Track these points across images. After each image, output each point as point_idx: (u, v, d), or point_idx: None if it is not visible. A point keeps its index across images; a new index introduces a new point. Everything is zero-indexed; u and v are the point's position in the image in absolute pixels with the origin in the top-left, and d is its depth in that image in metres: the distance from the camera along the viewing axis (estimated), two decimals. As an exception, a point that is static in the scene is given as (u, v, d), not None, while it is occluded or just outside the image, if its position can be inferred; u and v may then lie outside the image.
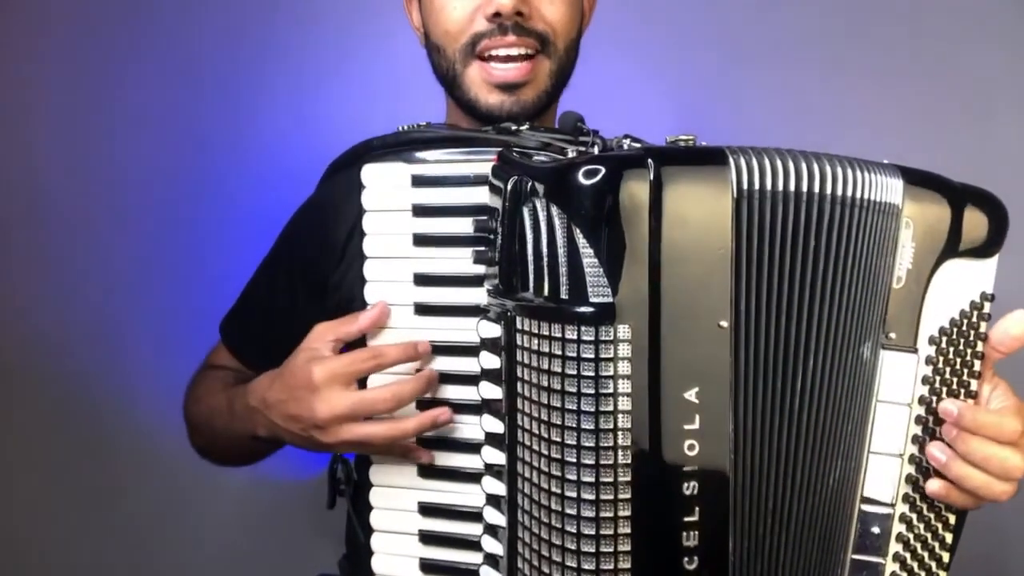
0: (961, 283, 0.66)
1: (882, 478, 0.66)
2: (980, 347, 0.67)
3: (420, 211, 0.77)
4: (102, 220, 1.38)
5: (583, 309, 0.61)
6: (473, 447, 0.75)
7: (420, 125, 0.80)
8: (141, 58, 1.38)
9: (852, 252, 0.64)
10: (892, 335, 0.65)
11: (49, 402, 1.37)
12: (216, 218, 1.36)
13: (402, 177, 0.77)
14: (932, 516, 0.67)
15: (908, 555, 0.67)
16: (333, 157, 0.89)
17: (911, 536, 0.67)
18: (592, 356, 0.61)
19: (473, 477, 0.75)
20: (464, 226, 0.74)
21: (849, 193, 0.64)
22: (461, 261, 0.75)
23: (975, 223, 0.66)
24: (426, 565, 0.79)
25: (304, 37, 1.38)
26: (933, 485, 0.65)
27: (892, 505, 0.66)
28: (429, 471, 0.79)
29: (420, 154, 0.77)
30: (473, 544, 0.76)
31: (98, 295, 1.39)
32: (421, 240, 0.77)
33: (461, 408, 0.76)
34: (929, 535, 0.67)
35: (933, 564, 0.67)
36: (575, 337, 0.61)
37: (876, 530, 0.66)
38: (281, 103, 1.39)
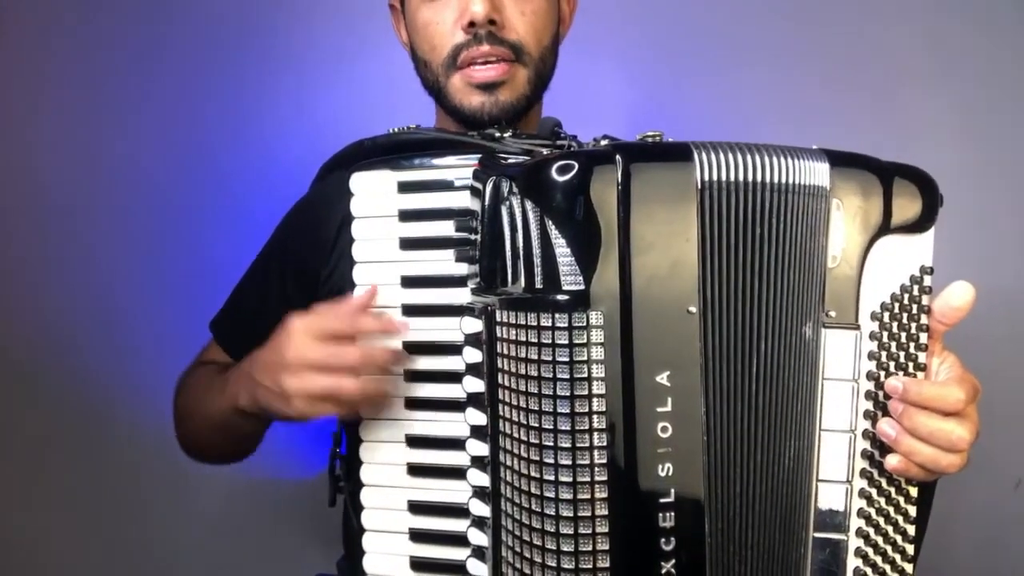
0: (898, 259, 0.68)
1: (836, 455, 0.68)
2: (924, 320, 0.68)
3: (406, 216, 0.80)
4: (102, 220, 1.41)
5: (557, 297, 0.64)
6: (461, 444, 0.77)
7: (410, 127, 0.84)
8: (142, 58, 1.41)
9: (788, 235, 0.67)
10: (832, 313, 0.67)
11: (49, 402, 1.38)
12: (216, 218, 1.38)
13: (389, 184, 0.81)
14: (892, 490, 0.68)
15: (872, 530, 0.68)
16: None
17: (873, 511, 0.68)
18: (566, 342, 0.64)
19: (462, 473, 0.77)
20: (449, 229, 0.77)
21: (781, 179, 0.66)
22: (446, 263, 0.78)
23: (905, 199, 0.68)
24: (416, 563, 0.81)
25: (306, 37, 1.41)
26: (892, 460, 0.67)
27: (848, 481, 0.68)
28: (418, 470, 0.81)
29: (407, 161, 0.81)
30: (462, 540, 0.77)
31: (99, 294, 1.40)
32: (407, 244, 0.80)
33: (448, 405, 0.78)
34: (891, 509, 0.68)
35: (898, 538, 0.69)
36: (550, 324, 0.64)
37: (835, 507, 0.67)
38: (282, 103, 1.42)
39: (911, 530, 0.69)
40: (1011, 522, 1.47)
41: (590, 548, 0.64)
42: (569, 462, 0.64)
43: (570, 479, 0.64)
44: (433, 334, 0.80)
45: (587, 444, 0.64)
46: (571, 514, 0.64)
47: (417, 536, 0.81)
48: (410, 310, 0.81)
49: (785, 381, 0.67)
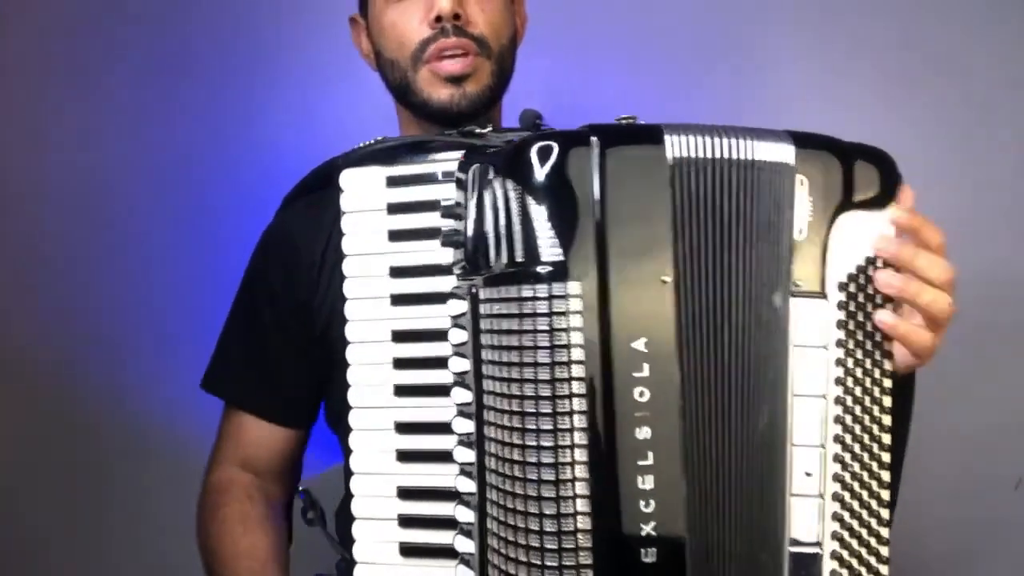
0: (862, 232, 0.72)
1: (808, 420, 0.70)
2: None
3: (394, 208, 0.84)
4: (103, 220, 1.42)
5: (537, 269, 0.67)
6: (450, 428, 0.79)
7: (377, 139, 0.87)
8: (143, 58, 1.43)
9: (755, 209, 0.70)
10: (800, 283, 0.70)
11: (50, 401, 1.39)
12: (217, 218, 1.40)
13: (377, 179, 0.84)
14: (866, 455, 0.70)
15: (847, 493, 0.70)
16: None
17: (847, 476, 0.70)
18: (546, 311, 0.66)
19: (450, 456, 0.79)
20: (435, 220, 0.81)
21: (747, 156, 0.70)
22: (433, 252, 0.81)
23: (866, 176, 0.72)
24: (406, 548, 0.82)
25: (308, 37, 1.44)
26: (881, 315, 0.70)
27: (822, 446, 0.70)
28: (408, 455, 0.82)
29: (394, 158, 0.85)
30: (451, 522, 0.79)
31: (100, 294, 1.41)
32: (395, 235, 0.84)
33: (438, 391, 0.80)
34: (865, 473, 0.70)
35: (873, 502, 0.70)
36: (530, 295, 0.67)
37: (811, 470, 0.69)
38: (283, 103, 1.44)
39: (885, 495, 0.71)
40: (1011, 522, 1.47)
41: (571, 511, 0.66)
42: (550, 427, 0.66)
43: (551, 444, 0.66)
44: (421, 322, 0.82)
45: (567, 409, 0.66)
46: (552, 478, 0.66)
47: (406, 521, 0.82)
48: (398, 299, 0.83)
49: (757, 348, 0.69)
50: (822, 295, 0.71)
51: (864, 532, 0.70)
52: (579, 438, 0.66)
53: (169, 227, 1.43)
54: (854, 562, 0.70)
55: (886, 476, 0.71)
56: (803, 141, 0.72)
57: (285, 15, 1.44)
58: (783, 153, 0.71)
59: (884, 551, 0.71)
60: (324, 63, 1.45)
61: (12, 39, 1.41)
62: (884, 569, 0.71)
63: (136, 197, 1.43)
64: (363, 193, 0.85)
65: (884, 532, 0.71)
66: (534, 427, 0.67)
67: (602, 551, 0.66)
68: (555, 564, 0.66)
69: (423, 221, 0.82)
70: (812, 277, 0.71)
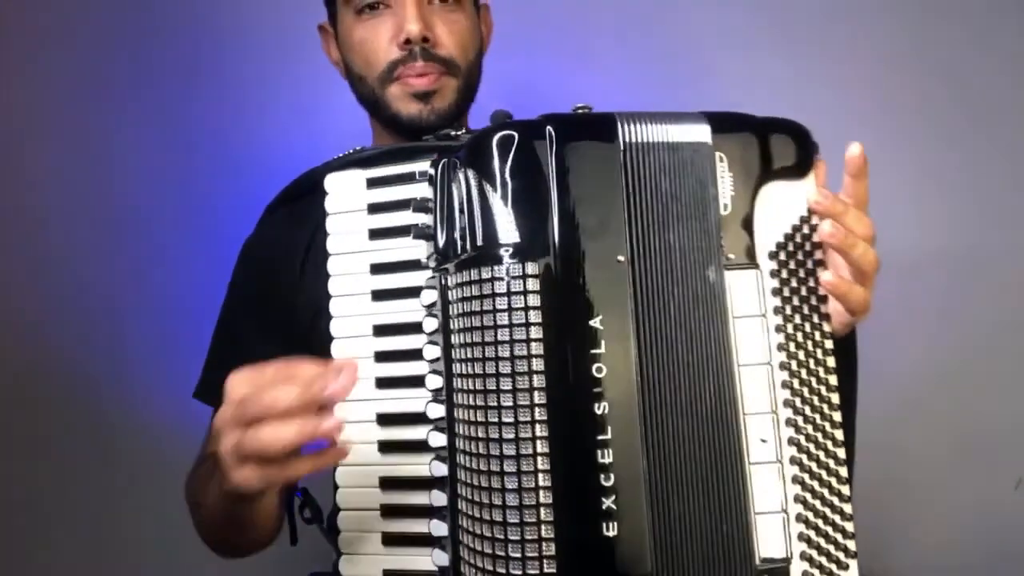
0: (785, 202, 0.74)
1: (756, 388, 0.71)
2: (819, 255, 0.74)
3: (374, 208, 0.87)
4: (104, 220, 1.46)
5: (495, 251, 0.70)
6: (423, 416, 0.81)
7: (356, 149, 0.91)
8: (145, 57, 1.47)
9: (683, 187, 0.73)
10: (731, 256, 0.73)
11: (50, 401, 1.42)
12: (218, 218, 1.43)
13: (358, 181, 0.88)
14: (817, 416, 0.71)
15: (803, 456, 0.71)
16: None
17: (802, 438, 0.71)
18: (505, 291, 0.69)
19: (428, 444, 0.81)
20: (413, 217, 0.84)
21: (675, 139, 0.73)
22: (411, 249, 0.84)
23: (781, 147, 0.75)
24: (388, 537, 0.84)
25: (311, 40, 1.45)
26: (825, 276, 0.72)
27: (773, 411, 0.71)
28: (389, 446, 0.85)
29: (375, 161, 0.88)
30: (431, 510, 0.80)
31: (102, 294, 1.44)
32: (376, 234, 0.87)
33: (417, 381, 0.83)
34: (819, 434, 0.71)
35: (831, 462, 0.71)
36: (489, 276, 0.70)
37: (765, 436, 0.71)
38: (286, 106, 1.48)
39: (841, 452, 0.71)
40: (1011, 522, 1.45)
41: (532, 485, 0.67)
42: (510, 403, 0.68)
43: (511, 420, 0.68)
44: (401, 316, 0.85)
45: (527, 386, 0.68)
46: (513, 453, 0.68)
47: (389, 511, 0.84)
48: (378, 295, 0.87)
49: (697, 322, 0.71)
50: (754, 265, 0.73)
51: (825, 492, 0.71)
52: (539, 414, 0.68)
53: (170, 228, 1.46)
54: (820, 522, 0.71)
55: (839, 435, 0.72)
56: (718, 120, 0.75)
57: (287, 18, 1.46)
58: (700, 133, 0.74)
59: (847, 508, 0.72)
60: (327, 66, 1.49)
61: (14, 40, 1.46)
62: (849, 525, 0.71)
63: (137, 198, 1.46)
64: (346, 195, 0.89)
65: (845, 489, 0.72)
66: (496, 404, 0.69)
67: (564, 526, 0.67)
68: (518, 538, 0.67)
69: (401, 219, 0.86)
70: (742, 249, 0.73)
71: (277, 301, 1.02)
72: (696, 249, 0.72)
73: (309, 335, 0.98)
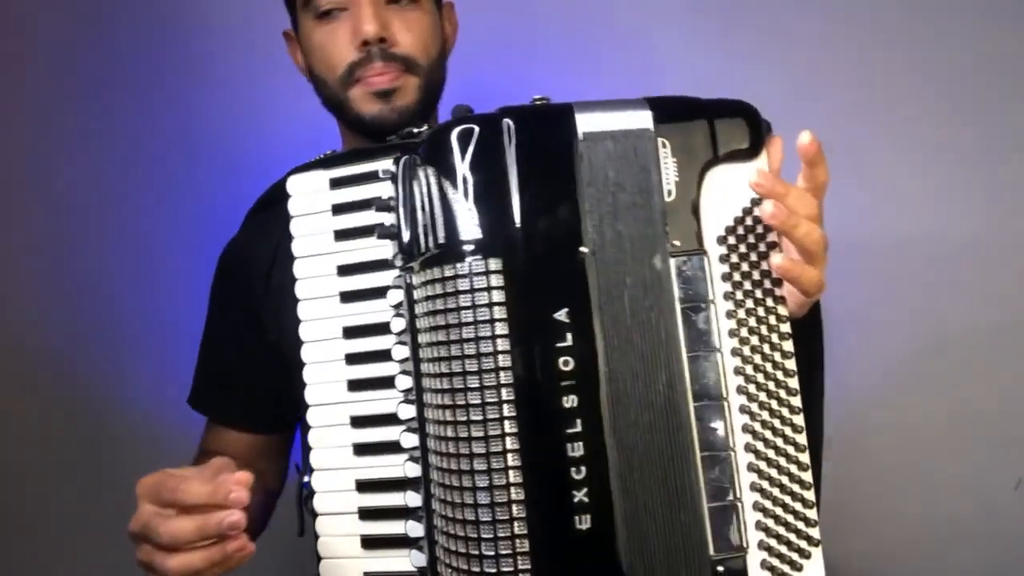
0: (735, 185, 0.73)
1: (708, 375, 0.70)
2: (772, 237, 0.72)
3: (338, 209, 0.86)
4: (105, 220, 1.45)
5: (457, 248, 0.69)
6: (396, 416, 0.80)
7: (327, 154, 0.90)
8: (145, 57, 1.45)
9: (627, 175, 0.72)
10: (677, 243, 0.72)
11: (50, 401, 1.41)
12: (218, 218, 1.43)
13: (321, 182, 0.87)
14: (774, 402, 0.70)
15: (760, 443, 0.70)
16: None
17: (757, 425, 0.70)
18: (468, 288, 0.68)
19: (403, 448, 0.80)
20: (377, 217, 0.83)
21: (616, 127, 0.72)
22: (378, 248, 0.83)
23: (730, 130, 0.73)
24: (367, 540, 0.83)
25: None
26: (775, 259, 0.70)
27: (725, 399, 0.70)
28: (363, 448, 0.84)
29: (338, 161, 0.88)
30: (406, 511, 0.80)
31: (102, 294, 1.44)
32: (341, 235, 0.86)
33: (388, 382, 0.82)
34: (776, 421, 0.70)
35: (790, 448, 0.70)
36: (452, 274, 0.69)
37: (716, 425, 0.70)
38: (286, 105, 1.41)
39: (801, 438, 0.70)
40: (1011, 522, 1.44)
41: (504, 482, 0.67)
42: (478, 401, 0.68)
43: (480, 418, 0.67)
44: (370, 317, 0.84)
45: (494, 383, 0.68)
46: (483, 451, 0.67)
47: (366, 514, 0.83)
48: (346, 296, 0.86)
49: (647, 312, 0.70)
50: (701, 251, 0.72)
51: (785, 479, 0.70)
52: (508, 410, 0.67)
53: (170, 228, 1.45)
54: (779, 511, 0.70)
55: (799, 420, 0.71)
56: (660, 105, 0.74)
57: (286, 17, 1.48)
58: (642, 120, 0.73)
59: (809, 495, 0.71)
60: None
61: (13, 41, 1.44)
62: (811, 513, 0.70)
63: (138, 198, 1.45)
64: (309, 197, 0.88)
65: (806, 476, 0.71)
66: (464, 403, 0.68)
67: (537, 521, 0.67)
68: (491, 536, 0.67)
69: (366, 219, 0.85)
70: (688, 235, 0.72)
71: (248, 309, 1.02)
72: (643, 238, 0.71)
73: (280, 341, 0.98)
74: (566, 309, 0.69)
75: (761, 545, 0.69)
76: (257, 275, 1.00)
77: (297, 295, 0.87)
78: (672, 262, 0.71)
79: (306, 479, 0.97)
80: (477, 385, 0.68)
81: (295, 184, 0.88)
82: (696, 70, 1.40)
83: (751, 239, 0.72)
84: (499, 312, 0.68)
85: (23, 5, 1.45)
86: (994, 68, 1.48)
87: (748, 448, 0.70)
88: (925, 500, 1.46)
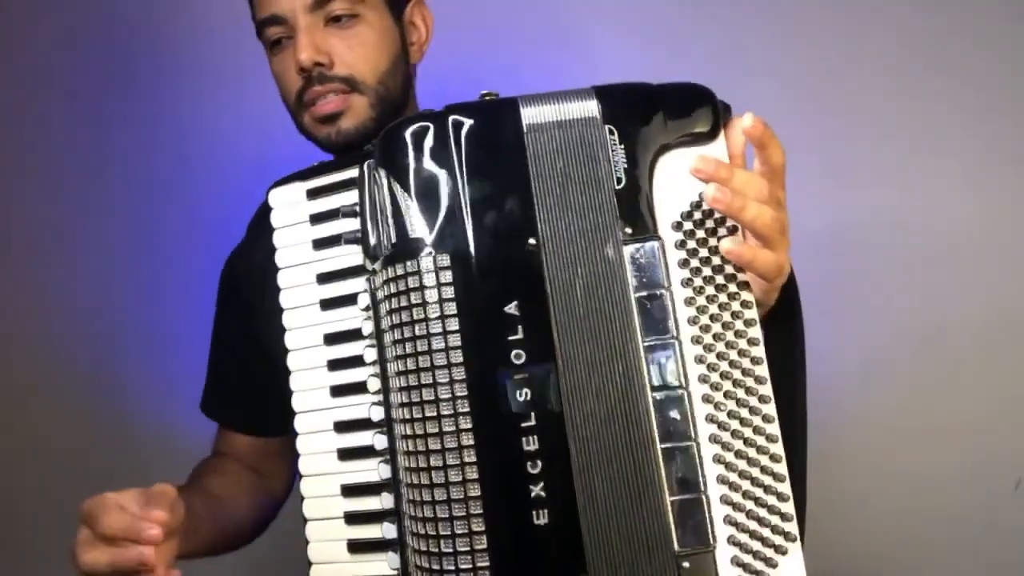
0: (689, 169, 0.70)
1: (664, 364, 0.68)
2: (730, 222, 0.70)
3: (315, 219, 0.88)
4: (106, 220, 1.49)
5: (408, 246, 0.70)
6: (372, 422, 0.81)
7: (314, 165, 0.92)
8: (145, 56, 1.49)
9: (574, 165, 0.71)
10: (628, 231, 0.69)
11: (51, 400, 1.45)
12: (219, 219, 1.46)
13: (299, 193, 0.89)
14: (740, 391, 0.67)
15: (727, 434, 0.67)
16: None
17: (724, 415, 0.67)
18: (417, 285, 0.69)
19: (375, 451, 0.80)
20: (351, 224, 0.84)
21: (562, 117, 0.71)
22: (354, 255, 0.84)
23: (682, 113, 0.71)
24: (353, 545, 0.84)
25: None
26: (726, 243, 0.67)
27: (683, 387, 0.68)
28: (347, 453, 0.85)
29: (315, 172, 0.89)
30: (389, 513, 0.80)
31: (103, 295, 1.47)
32: (319, 243, 0.88)
33: (364, 387, 0.83)
34: (744, 411, 0.67)
35: (760, 438, 0.67)
36: (403, 272, 0.69)
37: (676, 415, 0.67)
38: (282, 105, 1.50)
39: (772, 428, 0.67)
40: (1011, 522, 1.40)
41: (460, 478, 0.66)
42: (432, 398, 0.68)
43: (435, 414, 0.67)
44: (348, 323, 0.85)
45: (447, 379, 0.67)
46: (439, 447, 0.67)
47: (351, 518, 0.84)
48: (326, 304, 0.87)
49: (600, 302, 0.69)
50: (655, 237, 0.70)
51: (756, 471, 0.67)
52: (462, 406, 0.67)
53: (170, 227, 1.48)
54: (750, 504, 0.67)
55: (769, 410, 0.67)
56: (606, 93, 0.72)
57: None
58: (587, 108, 0.72)
59: (783, 488, 0.67)
60: None
61: (12, 41, 1.49)
62: (786, 507, 0.67)
63: (141, 197, 1.49)
64: (288, 208, 0.90)
65: (779, 468, 0.67)
66: (420, 400, 0.68)
67: (495, 518, 0.66)
68: (449, 533, 0.66)
69: (342, 227, 0.86)
70: (640, 222, 0.70)
71: (249, 318, 1.04)
72: (594, 227, 0.70)
73: (270, 349, 1.00)
74: (515, 302, 0.68)
75: (731, 540, 0.67)
76: (254, 285, 1.02)
77: (281, 305, 0.89)
78: (625, 250, 0.70)
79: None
80: (430, 382, 0.68)
81: (275, 197, 0.90)
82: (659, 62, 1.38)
83: (710, 223, 0.70)
84: (450, 308, 0.68)
85: (23, 5, 1.48)
86: (994, 67, 1.45)
87: (713, 439, 0.68)
88: (925, 500, 1.42)
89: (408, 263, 0.69)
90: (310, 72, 0.96)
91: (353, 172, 0.86)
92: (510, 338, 0.68)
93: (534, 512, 0.66)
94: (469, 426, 0.67)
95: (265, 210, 1.00)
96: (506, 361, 0.67)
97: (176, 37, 1.52)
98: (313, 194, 0.88)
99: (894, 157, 1.44)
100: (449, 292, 0.68)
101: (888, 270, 1.43)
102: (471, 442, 0.67)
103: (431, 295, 0.68)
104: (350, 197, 0.85)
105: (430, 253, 0.69)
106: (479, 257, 0.69)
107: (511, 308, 0.68)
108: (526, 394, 0.67)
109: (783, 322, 0.74)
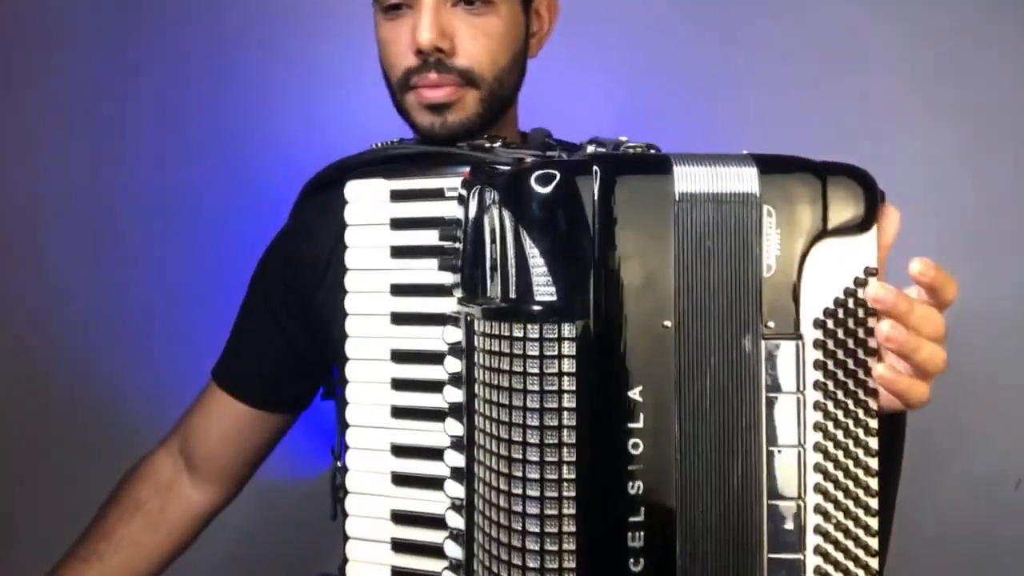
0: (840, 262, 0.65)
1: (785, 472, 0.64)
2: (871, 323, 0.65)
3: (397, 224, 0.81)
4: (107, 220, 1.44)
5: (530, 308, 0.63)
6: (442, 454, 0.76)
7: (394, 142, 0.84)
8: (144, 56, 1.43)
9: (724, 244, 0.64)
10: (771, 324, 0.64)
11: (46, 402, 1.41)
12: (220, 219, 1.41)
13: (382, 192, 0.81)
14: (851, 503, 0.65)
15: (831, 547, 0.65)
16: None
17: (831, 527, 0.64)
18: (537, 354, 0.63)
19: (442, 484, 0.76)
20: (437, 238, 0.77)
21: (718, 189, 0.64)
22: (435, 272, 0.77)
23: (842, 200, 0.65)
24: (397, 573, 0.80)
25: (313, 38, 1.42)
26: (879, 368, 0.63)
27: (801, 498, 0.64)
28: (402, 479, 0.80)
29: (400, 170, 0.81)
30: (441, 552, 0.76)
31: (103, 296, 1.44)
32: (397, 252, 0.81)
33: (433, 415, 0.78)
34: (851, 523, 0.65)
35: (860, 552, 0.65)
36: (521, 335, 0.63)
37: (789, 526, 0.64)
38: (288, 104, 1.43)
39: (873, 543, 0.65)
40: (1011, 522, 1.43)
41: (556, 566, 0.62)
42: (537, 477, 0.63)
43: (537, 494, 0.63)
44: (420, 343, 0.80)
45: (556, 459, 0.63)
46: (537, 530, 0.63)
47: (399, 546, 0.80)
48: (398, 318, 0.81)
49: (729, 398, 0.64)
50: (796, 335, 0.65)
51: None
52: (567, 489, 0.63)
53: (168, 227, 1.43)
54: None
55: (873, 523, 0.65)
56: (768, 165, 0.65)
57: (291, 15, 1.42)
58: (747, 182, 0.64)
59: None
60: (330, 65, 1.43)
61: (11, 41, 1.42)
62: None
63: (143, 197, 1.44)
64: (368, 206, 0.82)
65: None
66: (520, 475, 0.63)
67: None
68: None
69: (426, 239, 0.79)
70: (784, 317, 0.64)
71: (297, 296, 0.97)
72: (734, 316, 0.64)
73: (324, 343, 0.93)
74: (640, 387, 0.63)
75: None
76: (311, 260, 0.94)
77: (347, 309, 0.83)
78: (764, 345, 0.64)
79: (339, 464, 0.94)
80: (536, 459, 0.63)
81: (353, 191, 0.82)
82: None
83: (851, 323, 0.65)
84: (568, 383, 0.62)
85: (22, 5, 1.42)
86: (994, 66, 1.43)
87: (817, 551, 0.65)
88: (925, 500, 1.44)
89: (528, 327, 0.63)
90: (428, 55, 0.86)
91: (442, 181, 0.79)
92: (629, 425, 0.63)
93: (632, 618, 0.62)
94: (572, 512, 0.62)
95: (327, 179, 0.92)
96: (622, 450, 0.63)
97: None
98: (398, 196, 0.81)
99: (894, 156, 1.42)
100: (569, 366, 0.62)
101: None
102: (572, 529, 0.62)
103: (550, 366, 0.62)
104: (439, 208, 0.78)
105: (554, 321, 0.62)
106: (608, 333, 0.63)
107: (634, 394, 0.63)
108: (638, 487, 0.63)
109: (893, 428, 0.71)
